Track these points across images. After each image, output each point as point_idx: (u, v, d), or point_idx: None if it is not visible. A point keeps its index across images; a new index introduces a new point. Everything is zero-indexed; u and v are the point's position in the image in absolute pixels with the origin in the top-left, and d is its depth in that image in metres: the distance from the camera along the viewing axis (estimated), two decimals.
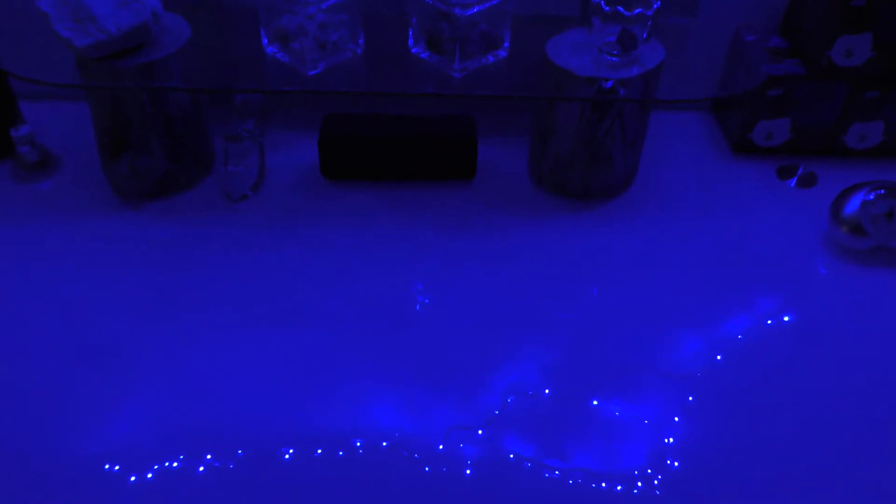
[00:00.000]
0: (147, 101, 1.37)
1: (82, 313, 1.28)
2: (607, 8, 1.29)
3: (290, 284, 1.33)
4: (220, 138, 1.51)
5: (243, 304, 1.29)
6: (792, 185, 1.56)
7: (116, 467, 1.06)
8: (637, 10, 1.28)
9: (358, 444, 1.09)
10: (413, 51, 1.37)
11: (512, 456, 1.09)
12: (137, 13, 1.28)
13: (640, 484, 1.06)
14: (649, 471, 1.08)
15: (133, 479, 1.05)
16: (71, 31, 1.26)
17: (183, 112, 1.43)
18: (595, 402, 1.15)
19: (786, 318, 1.30)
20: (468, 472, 1.07)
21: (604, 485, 1.06)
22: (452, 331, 1.26)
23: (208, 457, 1.08)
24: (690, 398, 1.17)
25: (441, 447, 1.09)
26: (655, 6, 1.29)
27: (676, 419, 1.14)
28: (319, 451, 1.08)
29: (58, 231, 1.42)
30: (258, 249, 1.39)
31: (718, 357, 1.23)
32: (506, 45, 1.36)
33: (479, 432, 1.11)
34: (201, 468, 1.07)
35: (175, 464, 1.07)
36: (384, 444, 1.10)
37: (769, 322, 1.29)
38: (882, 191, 1.35)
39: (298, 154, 1.57)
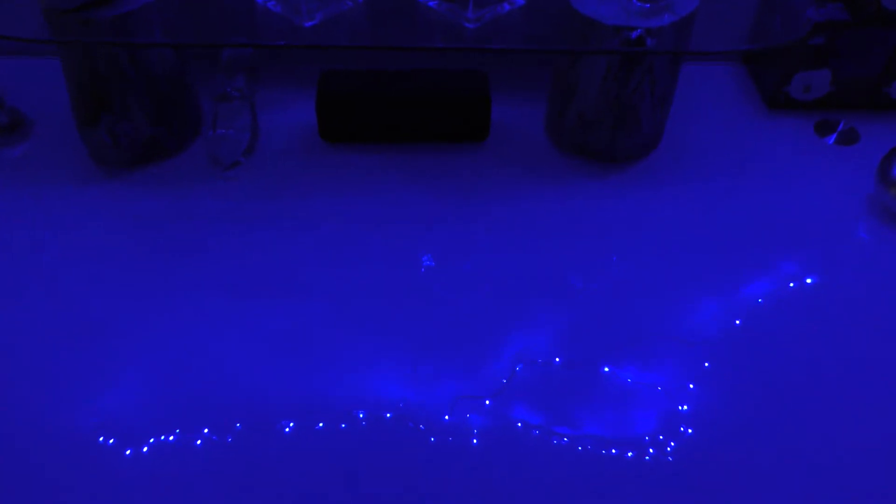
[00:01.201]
0: (125, 59, 1.24)
1: (65, 287, 1.20)
2: None
3: (288, 254, 1.24)
4: (208, 98, 1.38)
5: (238, 275, 1.21)
6: (831, 142, 1.44)
7: (111, 441, 1.02)
8: None
9: (361, 415, 1.05)
10: None
11: (520, 424, 1.05)
12: None
13: (651, 450, 1.03)
14: (661, 437, 1.04)
15: (128, 452, 1.02)
16: None
17: (166, 70, 1.30)
18: (607, 370, 1.11)
19: (821, 285, 1.22)
20: (475, 441, 1.04)
21: (614, 451, 1.03)
22: (461, 300, 1.20)
23: (205, 430, 1.03)
24: (707, 364, 1.12)
25: (447, 418, 1.06)
26: None
27: (691, 386, 1.09)
28: (321, 424, 1.04)
29: (32, 201, 1.31)
30: (252, 219, 1.28)
31: (737, 322, 1.17)
32: None
33: (487, 402, 1.08)
34: (198, 442, 1.02)
35: (171, 437, 1.03)
36: (388, 415, 1.06)
37: (802, 289, 1.21)
38: None
39: (294, 114, 1.45)
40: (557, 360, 1.12)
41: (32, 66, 1.54)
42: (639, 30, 1.19)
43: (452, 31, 1.21)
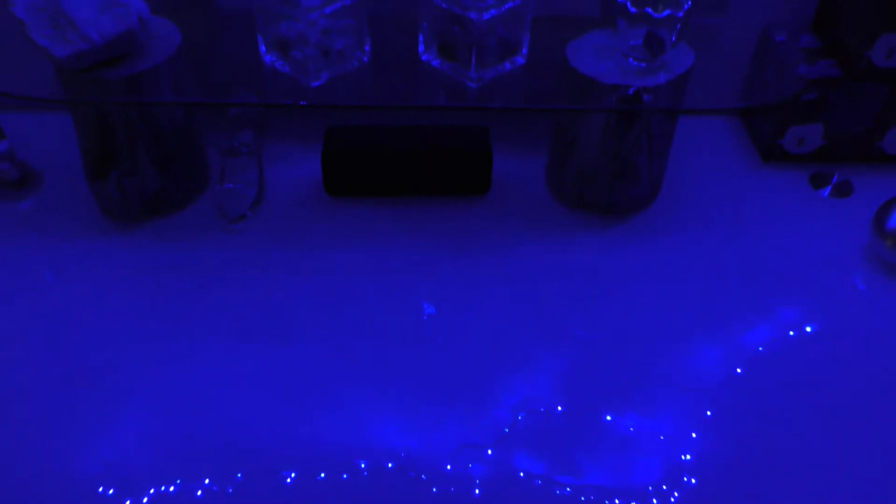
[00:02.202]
0: (135, 115, 1.26)
1: (70, 337, 1.20)
2: (634, 10, 1.19)
3: (292, 304, 1.25)
4: (216, 152, 1.41)
5: (242, 324, 1.22)
6: (826, 194, 1.47)
7: (111, 490, 1.02)
8: (666, 12, 1.18)
9: (363, 465, 1.05)
10: (424, 58, 1.27)
11: (522, 474, 1.05)
12: (122, 19, 1.18)
13: (655, 501, 1.03)
14: (664, 487, 1.04)
15: (128, 503, 1.01)
16: (49, 39, 1.16)
17: (174, 125, 1.32)
18: (609, 418, 1.12)
19: (817, 334, 1.23)
20: (477, 491, 1.03)
21: (617, 501, 1.02)
22: (463, 348, 1.21)
23: (206, 480, 1.03)
24: (709, 413, 1.12)
25: (449, 467, 1.06)
26: (686, 6, 1.19)
27: (694, 435, 1.10)
28: (323, 474, 1.04)
29: (41, 254, 1.33)
30: (257, 272, 1.30)
31: (738, 370, 1.18)
32: (524, 50, 1.26)
33: (489, 451, 1.07)
34: (199, 492, 1.02)
35: (172, 488, 1.02)
36: (390, 465, 1.05)
37: (801, 338, 1.22)
38: None
39: (299, 168, 1.47)
40: (559, 408, 1.13)
41: (42, 120, 1.56)
42: (633, 87, 1.23)
43: (455, 90, 1.24)
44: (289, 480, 1.03)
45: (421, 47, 1.27)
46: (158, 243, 1.34)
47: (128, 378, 1.14)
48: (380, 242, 1.36)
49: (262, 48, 1.26)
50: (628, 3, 1.20)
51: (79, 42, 1.15)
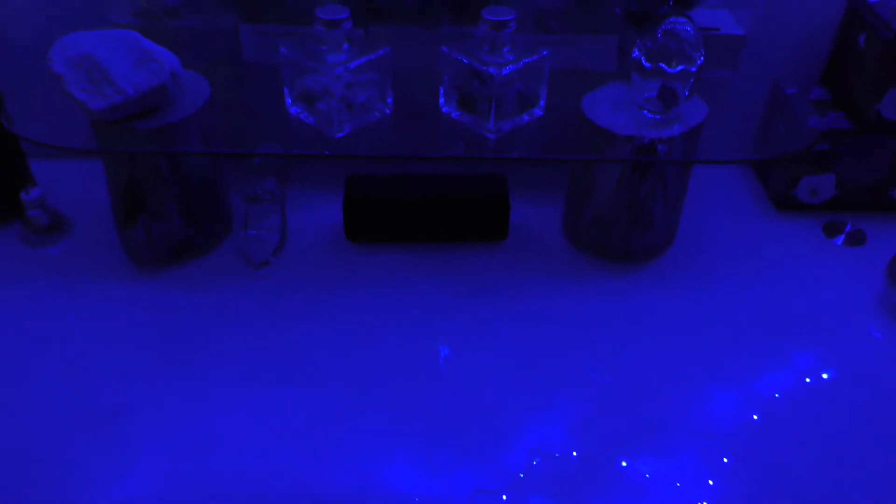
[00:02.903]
0: (164, 164, 1.30)
1: (95, 378, 1.22)
2: (648, 64, 1.23)
3: (312, 349, 1.27)
4: (240, 199, 1.45)
5: (263, 368, 1.24)
6: (839, 243, 1.48)
7: None
8: (680, 67, 1.22)
9: None
10: (444, 110, 1.31)
11: None
12: (156, 73, 1.22)
13: None
14: None
15: None
16: (86, 93, 1.20)
17: (201, 174, 1.36)
18: (624, 464, 1.11)
19: (833, 382, 1.23)
20: None
21: None
22: (478, 393, 1.21)
23: None
24: (725, 459, 1.11)
25: None
26: (699, 62, 1.23)
27: (711, 482, 1.09)
28: None
29: (69, 298, 1.36)
30: (278, 316, 1.32)
31: (755, 417, 1.17)
32: (541, 103, 1.30)
33: (504, 496, 1.07)
34: None
35: None
36: None
37: (818, 385, 1.23)
38: None
39: (321, 215, 1.51)
40: (575, 453, 1.12)
41: (73, 168, 1.61)
42: (647, 138, 1.26)
43: (474, 141, 1.28)
44: None
45: (441, 100, 1.31)
46: (183, 288, 1.37)
47: (149, 419, 1.16)
48: (399, 287, 1.39)
49: (289, 100, 1.30)
50: (643, 59, 1.24)
51: (114, 96, 1.20)
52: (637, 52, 1.24)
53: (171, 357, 1.26)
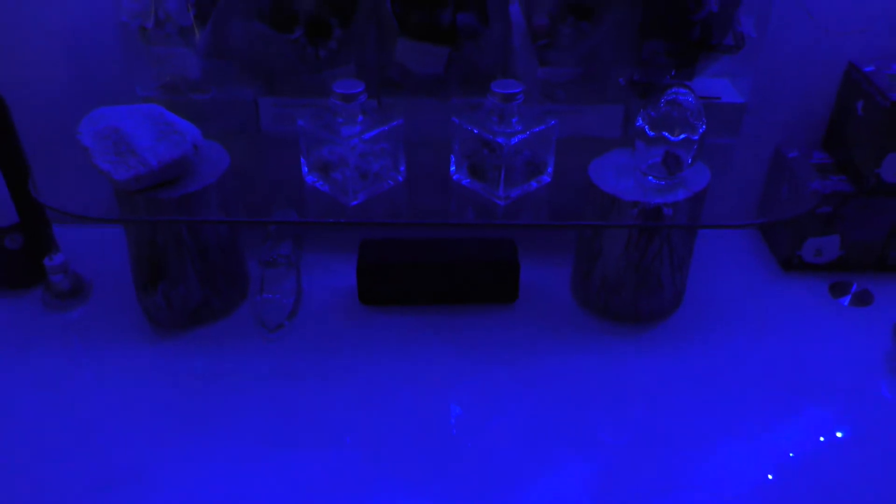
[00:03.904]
0: (185, 231, 1.35)
1: (109, 442, 1.23)
2: (652, 133, 1.27)
3: (325, 411, 1.28)
4: (256, 263, 1.49)
5: (277, 430, 1.25)
6: (846, 303, 1.50)
7: None
8: (682, 136, 1.26)
9: None
10: (455, 178, 1.35)
11: None
12: (178, 145, 1.27)
13: None
14: None
15: None
16: (111, 164, 1.25)
17: (220, 240, 1.40)
18: None
19: (844, 441, 1.23)
20: None
21: None
22: (489, 453, 1.22)
23: None
24: None
25: None
26: (701, 130, 1.27)
27: None
28: None
29: (87, 362, 1.38)
30: (293, 379, 1.34)
31: (770, 476, 1.17)
32: (549, 170, 1.34)
33: None
34: None
35: None
36: None
37: (831, 444, 1.23)
38: None
39: (335, 278, 1.54)
40: None
41: (94, 233, 1.66)
42: (652, 204, 1.29)
43: (485, 208, 1.31)
44: None
45: (452, 168, 1.35)
46: (199, 351, 1.40)
47: (165, 482, 1.17)
48: (411, 349, 1.41)
49: (305, 169, 1.35)
50: (646, 127, 1.28)
51: (138, 167, 1.25)
52: (641, 121, 1.29)
53: (187, 420, 1.28)
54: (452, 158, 1.35)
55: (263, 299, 1.44)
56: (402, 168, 1.36)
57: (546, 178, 1.35)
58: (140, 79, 1.41)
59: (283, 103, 1.40)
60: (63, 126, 1.34)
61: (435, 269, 1.45)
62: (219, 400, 1.31)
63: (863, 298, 1.51)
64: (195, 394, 1.32)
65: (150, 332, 1.43)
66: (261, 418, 1.27)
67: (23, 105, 1.44)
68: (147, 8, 1.30)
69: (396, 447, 1.23)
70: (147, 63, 1.39)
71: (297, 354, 1.39)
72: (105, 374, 1.36)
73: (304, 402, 1.30)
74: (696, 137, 1.27)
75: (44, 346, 1.41)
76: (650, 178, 1.31)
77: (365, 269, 1.44)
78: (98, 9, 1.41)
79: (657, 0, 1.28)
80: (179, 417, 1.28)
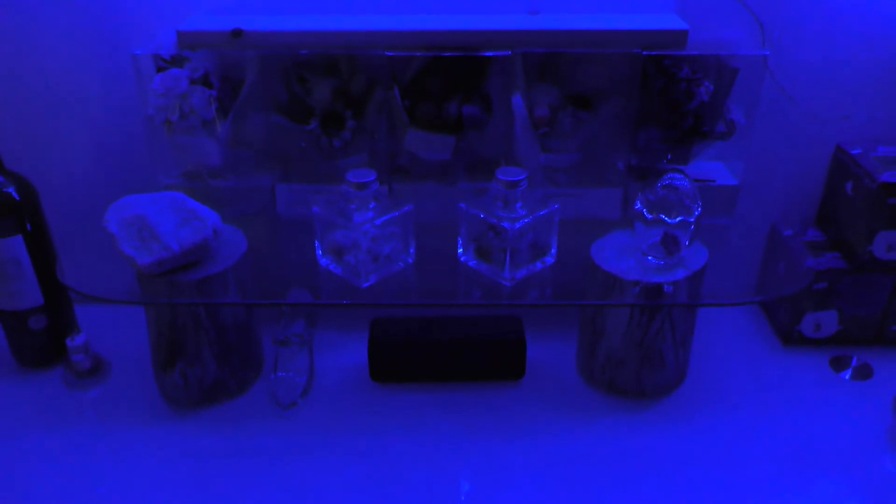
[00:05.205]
0: (203, 313, 1.40)
1: None
2: (650, 215, 1.33)
3: (337, 488, 1.30)
4: (270, 342, 1.53)
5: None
6: (847, 377, 1.53)
7: None
8: (679, 218, 1.32)
9: None
10: (462, 259, 1.41)
11: None
12: (199, 231, 1.34)
13: None
14: None
15: None
16: (135, 249, 1.31)
17: (236, 320, 1.46)
18: None
19: None
20: None
21: None
22: None
23: None
24: None
25: None
26: (697, 213, 1.33)
27: None
28: None
29: (104, 440, 1.41)
30: (306, 457, 1.37)
31: None
32: (553, 251, 1.40)
33: None
34: None
35: None
36: None
37: None
38: None
39: (346, 356, 1.58)
40: None
41: (113, 312, 1.68)
42: (648, 283, 1.34)
43: (491, 288, 1.37)
44: None
45: (460, 250, 1.41)
46: (214, 429, 1.43)
47: None
48: (422, 426, 1.44)
49: (319, 252, 1.41)
50: (644, 210, 1.34)
51: (160, 252, 1.31)
52: (639, 204, 1.35)
53: (203, 496, 1.29)
54: (460, 241, 1.41)
55: (277, 378, 1.48)
56: (412, 250, 1.42)
57: (550, 259, 1.41)
58: (163, 167, 1.49)
59: (298, 189, 1.47)
60: (89, 210, 1.41)
61: (444, 347, 1.49)
62: (233, 477, 1.33)
63: (863, 372, 1.54)
64: (210, 471, 1.34)
65: (166, 411, 1.47)
66: (275, 496, 1.29)
67: (52, 191, 1.53)
68: (173, 103, 1.38)
69: None
70: (170, 152, 1.47)
71: (310, 432, 1.42)
72: (122, 452, 1.39)
73: (316, 479, 1.32)
74: (693, 219, 1.33)
75: (63, 423, 1.45)
76: (650, 258, 1.36)
77: (376, 347, 1.48)
78: (125, 103, 1.51)
79: (651, 92, 1.37)
80: (195, 494, 1.30)
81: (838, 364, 1.56)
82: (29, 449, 1.39)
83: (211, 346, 1.43)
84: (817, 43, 1.47)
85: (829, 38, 1.47)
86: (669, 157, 1.46)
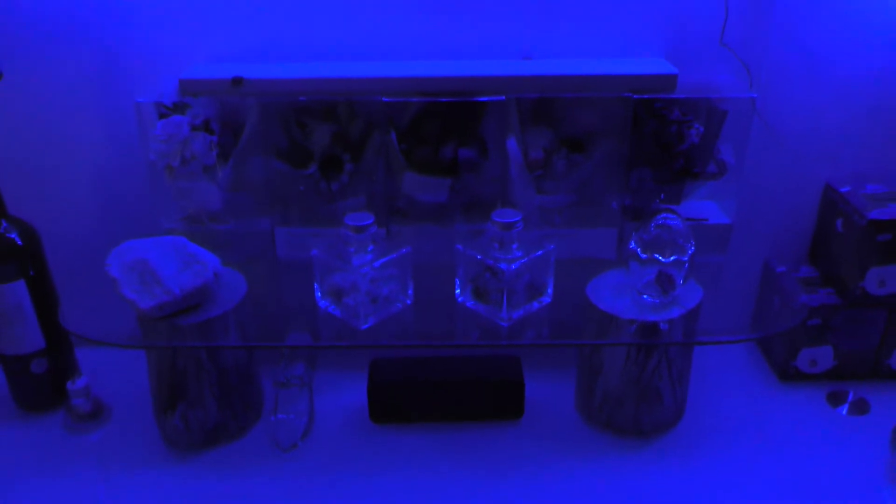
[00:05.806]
0: (204, 355, 1.41)
1: None
2: (644, 255, 1.35)
3: None
4: (271, 384, 1.54)
5: None
6: (844, 412, 1.54)
7: None
8: (673, 257, 1.34)
9: None
10: (459, 300, 1.43)
11: None
12: (200, 274, 1.36)
13: None
14: None
15: None
16: (137, 293, 1.33)
17: (237, 363, 1.47)
18: None
19: None
20: None
21: None
22: None
23: None
24: None
25: None
26: (690, 251, 1.35)
27: None
28: None
29: (105, 484, 1.41)
30: (306, 499, 1.37)
31: None
32: (549, 291, 1.42)
33: None
34: None
35: None
36: None
37: None
38: None
39: (346, 397, 1.59)
40: None
41: (113, 355, 1.66)
42: (644, 321, 1.35)
43: (488, 329, 1.38)
44: None
45: (457, 291, 1.43)
46: (214, 472, 1.43)
47: None
48: (421, 466, 1.44)
49: (318, 295, 1.43)
50: (638, 249, 1.36)
51: (162, 295, 1.32)
52: (633, 244, 1.37)
53: None
54: (457, 282, 1.43)
55: (277, 420, 1.48)
56: (410, 291, 1.44)
57: (546, 299, 1.43)
58: (164, 210, 1.51)
59: (297, 233, 1.49)
60: (91, 254, 1.43)
61: (443, 388, 1.50)
62: None
63: (860, 407, 1.55)
64: None
65: (166, 454, 1.47)
66: None
67: (54, 235, 1.54)
68: (174, 149, 1.41)
69: None
70: (171, 196, 1.50)
71: (311, 474, 1.42)
72: (123, 496, 1.39)
73: None
74: (686, 258, 1.35)
75: (64, 467, 1.45)
76: (645, 296, 1.38)
77: (375, 388, 1.49)
78: (127, 149, 1.54)
79: (643, 134, 1.40)
80: None
81: (835, 399, 1.57)
82: (29, 493, 1.39)
83: (212, 389, 1.44)
84: (803, 85, 1.51)
85: (814, 80, 1.51)
86: (662, 196, 1.49)
